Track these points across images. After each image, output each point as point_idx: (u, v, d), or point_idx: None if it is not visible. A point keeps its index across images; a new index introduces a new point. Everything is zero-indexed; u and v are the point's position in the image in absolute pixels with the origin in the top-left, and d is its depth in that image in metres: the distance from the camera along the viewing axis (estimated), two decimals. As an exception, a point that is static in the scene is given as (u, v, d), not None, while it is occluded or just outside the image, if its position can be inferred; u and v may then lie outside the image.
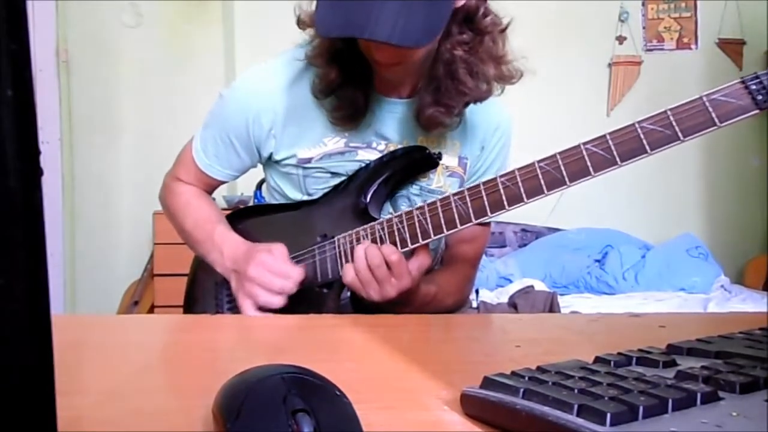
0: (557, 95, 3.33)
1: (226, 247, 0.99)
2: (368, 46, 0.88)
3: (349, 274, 0.89)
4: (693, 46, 3.47)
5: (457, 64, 0.92)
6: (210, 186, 1.12)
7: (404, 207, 1.01)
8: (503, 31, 0.95)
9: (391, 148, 1.01)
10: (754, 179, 3.45)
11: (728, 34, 3.44)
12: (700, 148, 3.44)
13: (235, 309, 1.02)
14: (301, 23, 0.97)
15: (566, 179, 0.79)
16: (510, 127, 1.08)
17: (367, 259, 0.87)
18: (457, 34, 0.91)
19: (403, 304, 0.91)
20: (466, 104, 0.97)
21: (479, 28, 0.92)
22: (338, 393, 0.40)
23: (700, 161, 3.48)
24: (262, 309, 0.93)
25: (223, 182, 1.11)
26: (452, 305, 1.06)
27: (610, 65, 3.47)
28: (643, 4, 3.48)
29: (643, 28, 3.49)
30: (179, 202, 1.11)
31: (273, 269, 0.91)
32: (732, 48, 3.44)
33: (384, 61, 0.90)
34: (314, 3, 0.92)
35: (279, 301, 0.90)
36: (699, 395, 0.37)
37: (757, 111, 0.73)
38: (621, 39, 3.47)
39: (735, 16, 3.41)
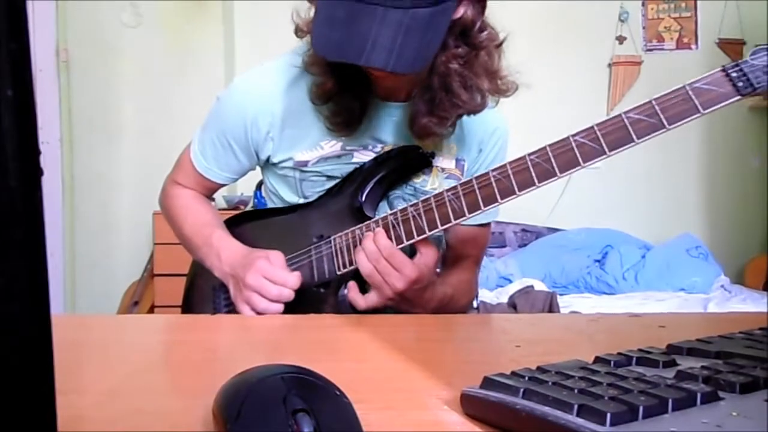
0: (557, 95, 3.33)
1: (223, 251, 0.99)
2: None
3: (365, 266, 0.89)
4: (693, 46, 3.47)
5: (452, 77, 0.92)
6: (209, 189, 1.12)
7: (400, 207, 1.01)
8: (499, 46, 0.95)
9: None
10: (754, 179, 3.45)
11: (728, 34, 3.44)
12: (700, 148, 3.44)
13: (232, 313, 1.02)
14: (299, 32, 0.97)
15: (556, 170, 0.79)
16: (507, 130, 1.09)
17: (368, 258, 0.88)
18: (453, 48, 0.91)
19: (420, 306, 0.91)
20: (460, 116, 0.97)
21: (475, 42, 0.92)
22: (338, 393, 0.40)
23: (700, 161, 3.48)
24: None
25: (221, 185, 1.11)
26: (465, 305, 1.06)
27: (610, 65, 3.47)
28: (643, 4, 3.48)
29: (643, 28, 3.49)
30: (178, 206, 1.11)
31: (270, 276, 0.91)
32: (732, 48, 3.43)
33: (380, 75, 0.91)
34: (312, 10, 0.92)
35: (277, 308, 0.91)
36: (699, 395, 0.37)
37: (738, 97, 0.75)
38: (621, 39, 3.47)
39: (735, 16, 3.41)
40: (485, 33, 0.92)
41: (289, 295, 0.91)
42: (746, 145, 3.45)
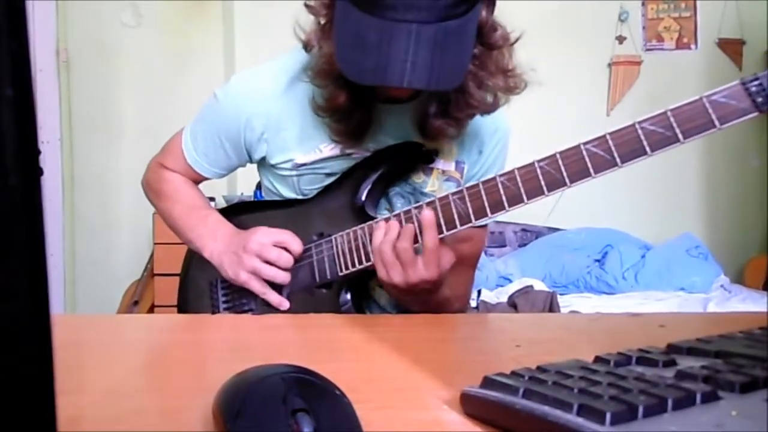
0: (557, 95, 3.31)
1: (220, 231, 1.01)
2: None
3: (376, 239, 0.87)
4: (693, 46, 3.47)
5: (466, 78, 0.90)
6: (195, 179, 1.13)
7: (400, 205, 1.00)
8: (512, 44, 0.93)
9: None
10: (754, 179, 3.45)
11: (728, 33, 3.44)
12: (700, 149, 3.44)
13: (231, 309, 1.02)
14: (308, 47, 0.94)
15: (567, 180, 0.78)
16: (508, 131, 1.08)
17: (395, 238, 0.85)
18: None
19: (421, 301, 0.90)
20: (472, 116, 0.96)
21: (490, 42, 0.91)
22: (338, 393, 0.40)
23: (700, 161, 3.48)
24: (268, 306, 0.95)
25: (208, 179, 1.12)
26: (460, 308, 1.05)
27: (610, 65, 3.47)
28: (642, 4, 3.48)
29: (643, 28, 3.49)
30: (168, 188, 1.11)
31: (272, 240, 0.94)
32: (732, 48, 3.44)
33: (408, 91, 0.90)
34: (312, 19, 0.91)
35: (283, 276, 0.93)
36: (699, 395, 0.37)
37: (756, 113, 0.72)
38: (621, 39, 3.47)
39: (735, 16, 3.41)
40: (498, 32, 0.91)
41: (288, 259, 0.93)
42: (746, 145, 3.45)
